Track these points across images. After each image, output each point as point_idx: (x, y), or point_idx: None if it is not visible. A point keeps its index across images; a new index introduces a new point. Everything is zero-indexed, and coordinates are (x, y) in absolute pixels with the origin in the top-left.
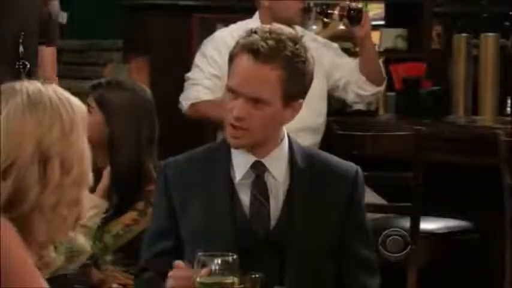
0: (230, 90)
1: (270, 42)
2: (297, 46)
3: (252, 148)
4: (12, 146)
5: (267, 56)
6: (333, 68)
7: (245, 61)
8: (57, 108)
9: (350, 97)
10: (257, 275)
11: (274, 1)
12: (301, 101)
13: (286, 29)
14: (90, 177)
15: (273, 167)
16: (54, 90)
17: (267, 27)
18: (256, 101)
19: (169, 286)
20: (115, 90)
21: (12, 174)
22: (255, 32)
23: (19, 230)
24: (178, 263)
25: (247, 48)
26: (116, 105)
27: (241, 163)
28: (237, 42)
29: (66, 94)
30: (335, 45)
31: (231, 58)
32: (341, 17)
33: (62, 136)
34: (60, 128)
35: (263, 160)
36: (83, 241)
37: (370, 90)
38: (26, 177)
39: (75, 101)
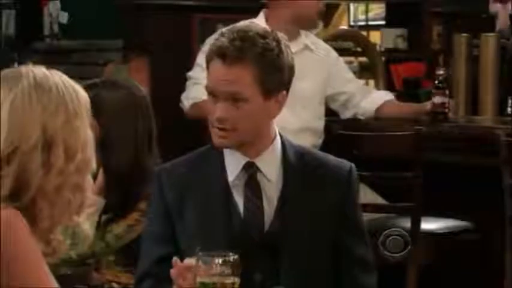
0: (209, 92)
1: (237, 43)
2: (267, 40)
3: (242, 148)
4: (17, 130)
5: (235, 58)
6: (339, 80)
7: (216, 66)
8: (62, 94)
9: (347, 114)
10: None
11: (300, 1)
12: (284, 92)
13: (255, 26)
14: (93, 163)
15: (265, 168)
16: (60, 76)
17: (236, 27)
18: (235, 100)
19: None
20: (107, 91)
21: (16, 159)
22: (223, 35)
23: (25, 216)
24: (175, 260)
25: (215, 53)
26: (108, 105)
27: (233, 164)
28: (209, 47)
29: (71, 81)
30: (337, 55)
31: (207, 63)
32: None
33: (67, 122)
34: (65, 114)
35: (255, 160)
36: (87, 227)
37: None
38: (30, 162)
39: (79, 88)
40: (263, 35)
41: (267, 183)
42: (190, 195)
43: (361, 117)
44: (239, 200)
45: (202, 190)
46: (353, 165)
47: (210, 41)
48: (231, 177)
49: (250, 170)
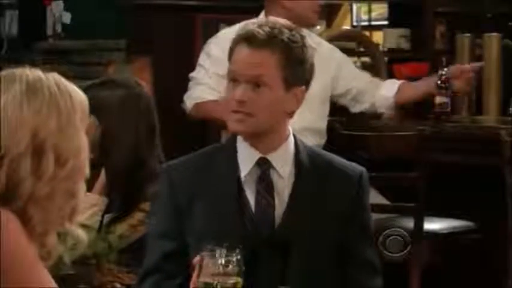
0: (231, 76)
1: (265, 28)
2: (293, 33)
3: (256, 142)
4: (6, 136)
5: (263, 42)
6: (346, 78)
7: (242, 49)
8: (55, 99)
9: (361, 106)
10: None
11: (296, 1)
12: (303, 88)
13: (281, 20)
14: (86, 170)
15: (278, 164)
16: (55, 80)
17: (262, 19)
18: (256, 85)
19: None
20: (106, 90)
21: (6, 164)
22: (251, 23)
23: (18, 220)
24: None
25: (243, 37)
26: (107, 104)
27: (246, 159)
28: (235, 35)
29: (68, 85)
30: (341, 53)
31: (231, 52)
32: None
33: (59, 128)
34: (57, 120)
35: (268, 157)
36: (80, 232)
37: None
38: (19, 168)
39: (76, 92)
40: (289, 28)
41: (279, 180)
42: (201, 191)
43: (380, 109)
44: (250, 196)
45: (214, 186)
46: (365, 169)
47: (211, 42)
48: (243, 173)
49: (263, 166)
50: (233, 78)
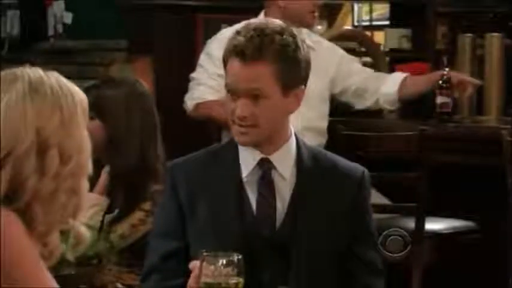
0: (228, 90)
1: (255, 40)
2: (284, 36)
3: (259, 144)
4: (10, 134)
5: (254, 56)
6: (346, 75)
7: (235, 64)
8: (57, 97)
9: (366, 103)
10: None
11: (290, 1)
12: (302, 87)
13: (271, 22)
14: (89, 166)
15: (280, 165)
16: (56, 79)
17: (252, 24)
18: (255, 97)
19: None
20: (109, 90)
21: (10, 163)
22: (239, 33)
23: (20, 219)
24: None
25: (233, 51)
26: (111, 104)
27: (248, 160)
28: (226, 46)
29: (68, 83)
30: (341, 51)
31: (224, 62)
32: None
33: (62, 126)
34: (60, 118)
35: (270, 157)
36: (83, 230)
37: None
38: (24, 166)
39: (77, 90)
40: (280, 32)
41: (281, 181)
42: (203, 191)
43: (384, 105)
44: (252, 196)
45: (215, 186)
46: (366, 170)
47: (211, 42)
48: (244, 173)
49: (265, 167)
50: (231, 92)
